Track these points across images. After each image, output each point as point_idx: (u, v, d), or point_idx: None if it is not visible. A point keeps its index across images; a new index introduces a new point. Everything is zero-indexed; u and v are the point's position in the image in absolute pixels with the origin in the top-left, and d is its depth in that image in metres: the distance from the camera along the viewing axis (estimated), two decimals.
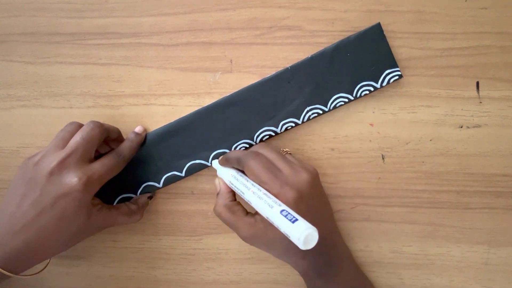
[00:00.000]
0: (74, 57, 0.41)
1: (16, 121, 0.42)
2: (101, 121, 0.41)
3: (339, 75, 0.38)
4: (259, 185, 0.33)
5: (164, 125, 0.40)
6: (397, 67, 0.37)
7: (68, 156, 0.34)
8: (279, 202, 0.31)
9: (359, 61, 0.37)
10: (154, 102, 0.41)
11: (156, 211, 0.42)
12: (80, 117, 0.42)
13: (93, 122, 0.36)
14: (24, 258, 0.33)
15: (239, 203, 0.36)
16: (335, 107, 0.38)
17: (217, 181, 0.37)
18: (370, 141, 0.39)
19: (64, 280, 0.43)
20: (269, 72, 0.39)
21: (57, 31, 0.41)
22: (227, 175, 0.36)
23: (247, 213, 0.35)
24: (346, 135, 0.39)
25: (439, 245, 0.40)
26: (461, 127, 0.38)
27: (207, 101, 0.40)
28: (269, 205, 0.30)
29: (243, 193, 0.33)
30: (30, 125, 0.42)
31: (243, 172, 0.36)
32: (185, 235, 0.42)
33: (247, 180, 0.34)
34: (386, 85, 0.38)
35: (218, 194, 0.37)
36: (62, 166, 0.33)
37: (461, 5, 0.37)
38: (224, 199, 0.36)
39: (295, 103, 0.38)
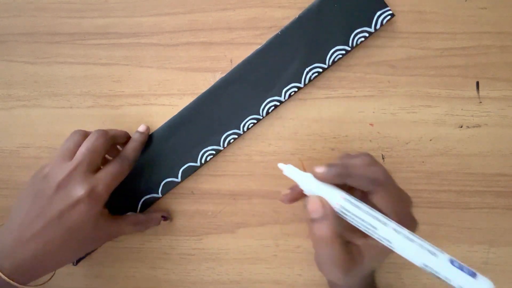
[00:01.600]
0: (74, 57, 0.41)
1: (16, 121, 0.42)
2: (101, 121, 0.41)
3: (331, 28, 0.37)
4: (392, 218, 0.27)
5: (169, 119, 0.40)
6: (387, 6, 0.37)
7: (75, 168, 0.34)
8: (435, 247, 0.25)
9: (347, 10, 0.37)
10: (154, 102, 0.41)
11: (156, 211, 0.42)
12: (80, 117, 0.42)
13: (98, 131, 0.36)
14: (32, 269, 0.33)
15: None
16: (333, 61, 0.38)
17: (319, 201, 0.28)
18: (370, 141, 0.39)
19: (64, 280, 0.43)
20: None
21: (57, 31, 0.41)
22: (334, 197, 0.28)
23: (344, 244, 0.28)
24: (346, 135, 0.39)
25: (439, 245, 0.39)
26: (461, 127, 0.38)
27: None
28: (430, 252, 0.25)
29: (374, 228, 0.26)
30: (30, 125, 0.42)
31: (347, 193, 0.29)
32: (185, 235, 0.42)
33: (373, 210, 0.27)
34: (380, 27, 0.37)
35: (321, 218, 0.28)
36: (69, 178, 0.33)
37: (461, 5, 0.37)
38: (335, 227, 0.27)
39: (293, 67, 0.38)
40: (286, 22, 0.39)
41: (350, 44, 0.37)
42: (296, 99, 0.39)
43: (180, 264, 0.43)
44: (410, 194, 0.39)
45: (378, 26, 0.37)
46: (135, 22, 0.40)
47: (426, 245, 0.26)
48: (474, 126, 0.38)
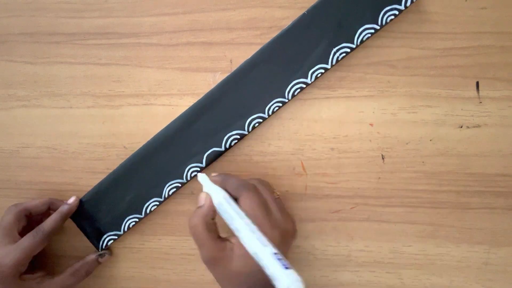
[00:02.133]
0: (74, 57, 0.41)
1: (16, 121, 0.42)
2: (101, 121, 0.41)
3: (360, 7, 0.36)
4: (251, 218, 0.33)
5: (193, 104, 0.39)
6: None
7: None
8: (271, 243, 0.31)
9: None
10: (154, 102, 0.41)
11: (156, 211, 0.42)
12: (80, 117, 0.42)
13: (10, 206, 0.40)
14: None
15: (216, 224, 0.35)
16: (362, 41, 0.37)
17: (203, 195, 0.36)
18: (370, 141, 0.39)
19: None
20: None
21: (57, 31, 0.41)
22: (217, 194, 0.35)
23: (219, 236, 0.35)
24: (346, 135, 0.39)
25: (439, 245, 0.40)
26: (461, 127, 0.38)
27: None
28: (262, 243, 0.31)
29: (233, 218, 0.33)
30: (30, 125, 0.42)
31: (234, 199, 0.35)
32: (185, 235, 0.42)
33: (240, 209, 0.34)
34: (410, 4, 0.36)
35: (199, 207, 0.35)
36: None
37: (461, 5, 0.37)
38: (205, 215, 0.35)
39: (320, 48, 0.37)
40: (287, 22, 0.39)
41: (379, 23, 0.36)
42: (296, 99, 0.39)
43: (180, 264, 0.43)
44: (410, 194, 0.39)
45: (408, 3, 0.36)
46: (135, 22, 0.40)
47: (263, 239, 0.31)
48: (474, 126, 0.38)
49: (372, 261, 0.41)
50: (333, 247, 0.41)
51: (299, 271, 0.41)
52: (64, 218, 0.40)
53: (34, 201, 0.40)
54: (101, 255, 0.42)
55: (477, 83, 0.38)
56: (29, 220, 0.40)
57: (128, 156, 0.41)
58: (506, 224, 0.39)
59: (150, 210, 0.41)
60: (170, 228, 0.42)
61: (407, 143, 0.39)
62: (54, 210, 0.41)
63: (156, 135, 0.40)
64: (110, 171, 0.41)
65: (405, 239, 0.40)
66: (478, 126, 0.38)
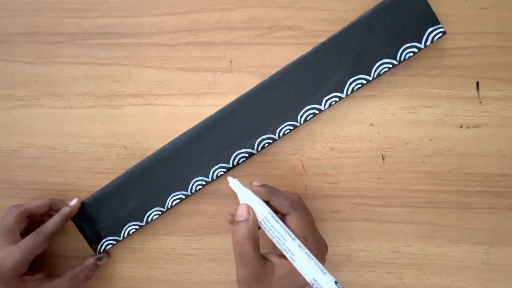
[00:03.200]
0: (74, 57, 0.41)
1: (16, 121, 0.42)
2: (101, 121, 0.41)
3: (380, 41, 0.36)
4: (299, 239, 0.32)
5: (204, 119, 0.39)
6: (439, 23, 0.36)
7: None
8: (325, 269, 0.30)
9: (398, 24, 0.36)
10: (154, 102, 0.41)
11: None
12: (80, 117, 0.42)
13: (11, 207, 0.39)
14: None
15: (258, 240, 0.33)
16: (379, 74, 0.37)
17: (245, 207, 0.33)
18: (370, 141, 0.39)
19: None
20: (270, 72, 0.39)
21: (57, 31, 0.41)
22: (261, 209, 0.33)
23: (260, 253, 0.33)
24: (346, 135, 0.39)
25: (439, 245, 0.40)
26: (461, 127, 0.38)
27: (207, 101, 0.40)
28: (321, 270, 0.30)
29: (284, 240, 0.31)
30: (30, 125, 0.42)
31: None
32: (185, 235, 0.42)
33: (287, 228, 0.32)
34: (430, 43, 0.36)
35: (244, 221, 0.32)
36: None
37: (461, 5, 0.37)
38: (254, 230, 0.32)
39: (336, 77, 0.37)
40: (286, 22, 0.39)
41: (397, 59, 0.37)
42: None
43: (180, 264, 0.43)
44: (410, 194, 0.39)
45: (428, 43, 0.36)
46: (135, 22, 0.40)
47: (320, 265, 0.30)
48: (474, 126, 0.38)
49: (372, 261, 0.41)
50: (333, 247, 0.41)
51: None
52: (65, 220, 0.40)
53: (35, 202, 0.40)
54: (99, 258, 0.42)
55: (477, 83, 0.38)
56: (30, 221, 0.40)
57: (132, 160, 0.41)
58: (506, 224, 0.39)
59: (152, 219, 0.41)
60: (170, 228, 0.42)
61: (407, 143, 0.39)
62: (55, 211, 0.41)
63: (165, 145, 0.40)
64: (110, 171, 0.41)
65: (405, 239, 0.40)
66: (478, 126, 0.38)
